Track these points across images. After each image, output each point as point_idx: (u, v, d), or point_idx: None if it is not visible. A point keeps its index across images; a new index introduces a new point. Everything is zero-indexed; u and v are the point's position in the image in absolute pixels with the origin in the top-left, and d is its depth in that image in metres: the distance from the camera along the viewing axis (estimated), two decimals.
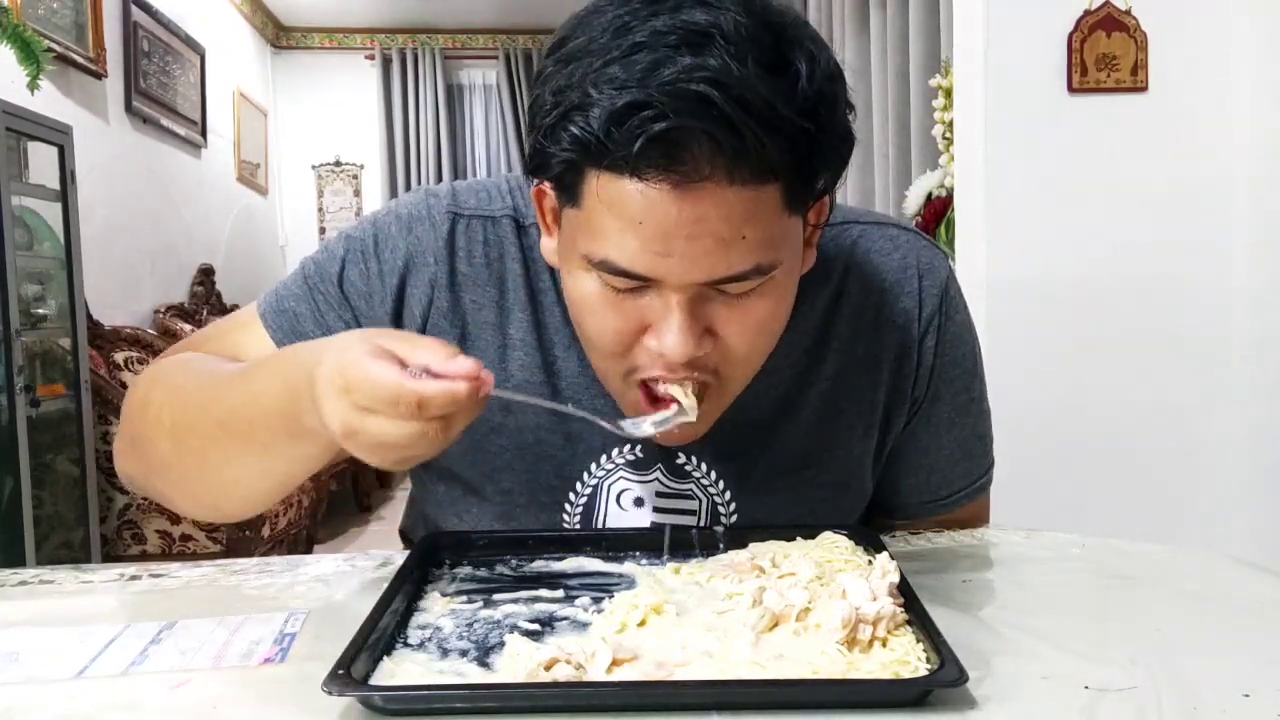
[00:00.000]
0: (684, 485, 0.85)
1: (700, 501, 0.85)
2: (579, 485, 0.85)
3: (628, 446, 0.84)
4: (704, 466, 0.85)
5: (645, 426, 0.73)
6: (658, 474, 0.85)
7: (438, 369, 0.60)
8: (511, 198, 0.85)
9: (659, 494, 0.85)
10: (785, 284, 0.73)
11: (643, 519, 0.85)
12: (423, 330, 0.83)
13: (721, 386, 0.74)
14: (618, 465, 0.84)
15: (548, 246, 0.78)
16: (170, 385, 0.80)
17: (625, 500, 0.85)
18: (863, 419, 0.86)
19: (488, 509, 0.86)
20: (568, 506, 0.85)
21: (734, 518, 0.86)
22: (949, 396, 0.89)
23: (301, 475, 0.74)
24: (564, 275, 0.74)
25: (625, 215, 0.65)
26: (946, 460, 0.91)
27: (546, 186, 0.73)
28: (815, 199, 0.72)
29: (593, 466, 0.85)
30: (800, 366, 0.85)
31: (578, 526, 0.85)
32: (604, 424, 0.73)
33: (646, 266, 0.66)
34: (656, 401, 0.73)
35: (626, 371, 0.74)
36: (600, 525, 0.85)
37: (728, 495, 0.85)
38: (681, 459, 0.85)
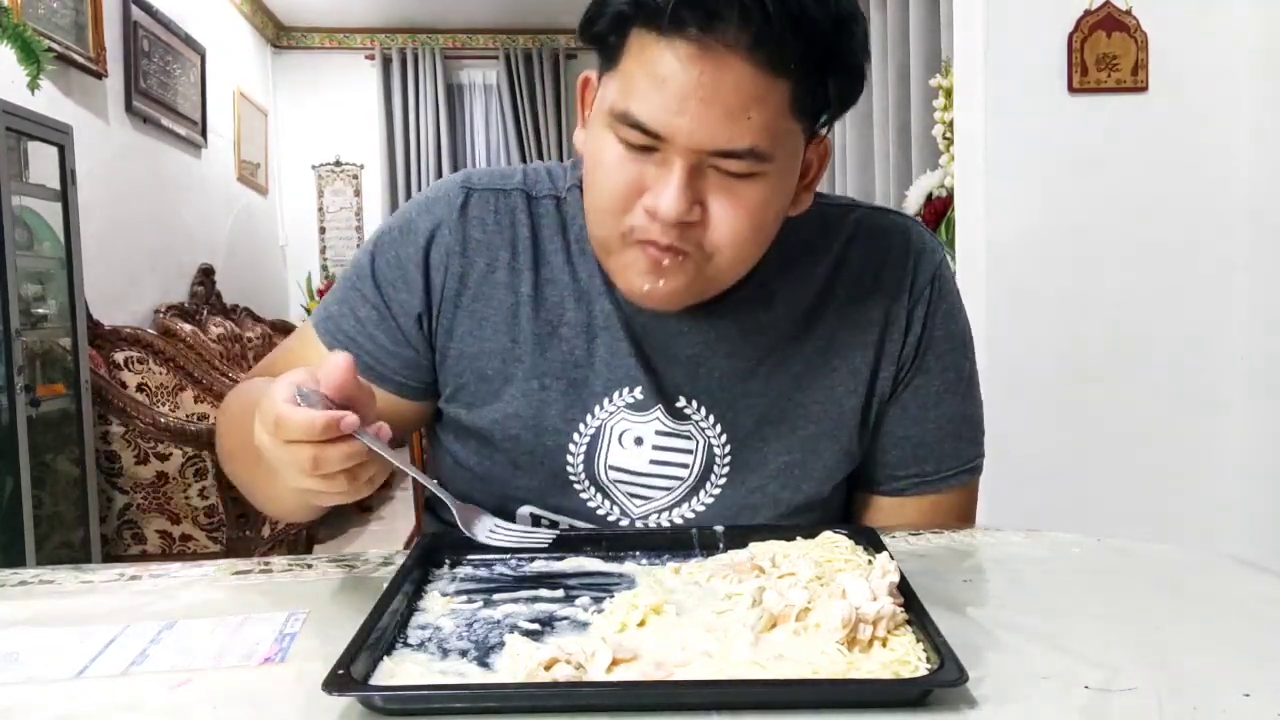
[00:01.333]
0: (682, 427, 0.90)
1: (697, 443, 0.90)
2: (582, 426, 0.90)
3: (628, 389, 0.89)
4: (703, 410, 0.90)
5: (502, 536, 0.76)
6: (657, 415, 0.90)
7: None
8: (524, 176, 0.94)
9: (658, 433, 0.90)
10: (776, 188, 0.79)
11: (642, 458, 0.89)
12: (440, 294, 0.90)
13: (705, 259, 0.80)
14: (619, 407, 0.90)
15: (580, 138, 0.86)
16: (229, 413, 0.92)
17: (626, 439, 0.89)
18: (852, 376, 0.92)
19: (499, 456, 0.91)
20: (571, 448, 0.90)
21: (728, 460, 0.91)
22: (938, 371, 0.93)
23: (332, 506, 0.78)
24: (590, 140, 0.82)
25: (654, 73, 0.73)
26: (934, 436, 0.94)
27: (592, 74, 0.84)
28: (820, 126, 0.80)
29: (596, 409, 0.90)
30: (800, 324, 0.91)
31: (581, 467, 0.90)
32: (464, 530, 0.75)
33: (661, 123, 0.74)
34: (654, 251, 0.79)
35: (623, 233, 0.80)
36: (602, 463, 0.90)
37: (724, 439, 0.90)
38: (681, 402, 0.90)
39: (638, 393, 0.89)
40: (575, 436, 0.89)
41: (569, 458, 0.90)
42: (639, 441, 0.89)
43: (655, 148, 0.76)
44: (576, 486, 0.90)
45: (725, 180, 0.77)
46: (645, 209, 0.77)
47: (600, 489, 0.90)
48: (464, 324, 0.90)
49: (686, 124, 0.73)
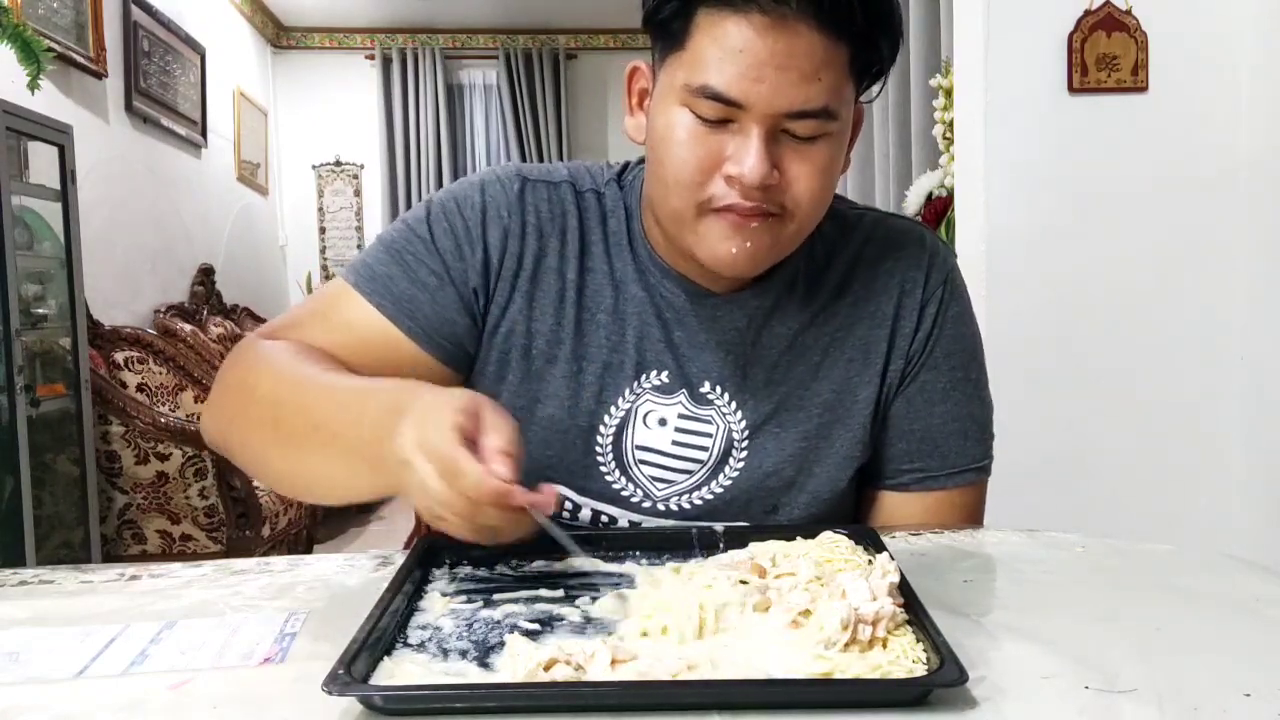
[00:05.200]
0: (704, 411, 0.93)
1: (717, 427, 0.93)
2: (613, 409, 0.93)
3: (655, 372, 0.93)
4: (725, 396, 0.93)
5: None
6: (681, 398, 0.93)
7: (485, 453, 0.67)
8: (569, 173, 0.98)
9: (681, 416, 0.93)
10: (840, 146, 0.84)
11: (665, 438, 0.93)
12: (498, 271, 0.93)
13: (785, 218, 0.84)
14: (647, 389, 0.93)
15: (631, 125, 0.91)
16: (274, 376, 0.87)
17: (651, 420, 0.93)
18: (866, 367, 0.95)
19: (534, 435, 0.93)
20: (602, 429, 0.93)
21: (746, 443, 0.93)
22: (946, 369, 0.96)
23: (376, 496, 0.79)
24: (656, 118, 0.85)
25: (727, 46, 0.78)
26: (939, 431, 0.95)
27: (643, 65, 0.88)
28: (866, 88, 0.86)
29: (626, 391, 0.93)
30: (818, 318, 0.95)
31: (609, 448, 0.93)
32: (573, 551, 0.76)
33: (741, 91, 0.78)
34: (736, 216, 0.82)
35: (702, 204, 0.82)
36: (629, 443, 0.93)
37: (743, 425, 0.93)
38: (705, 387, 0.93)
39: (664, 376, 0.93)
40: (606, 418, 0.93)
41: (599, 438, 0.93)
42: (663, 423, 0.93)
43: (731, 119, 0.80)
44: (603, 469, 0.93)
45: (796, 144, 0.81)
46: (726, 177, 0.81)
47: (625, 471, 0.93)
48: (517, 302, 0.93)
49: (766, 90, 0.78)
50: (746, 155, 0.79)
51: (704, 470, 0.93)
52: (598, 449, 0.93)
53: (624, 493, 0.93)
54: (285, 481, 0.89)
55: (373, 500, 0.82)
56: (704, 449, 0.93)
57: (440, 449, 0.66)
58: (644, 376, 0.93)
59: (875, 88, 0.87)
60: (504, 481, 0.65)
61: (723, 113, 0.79)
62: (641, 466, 0.93)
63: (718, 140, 0.81)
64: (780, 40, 0.77)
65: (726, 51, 0.78)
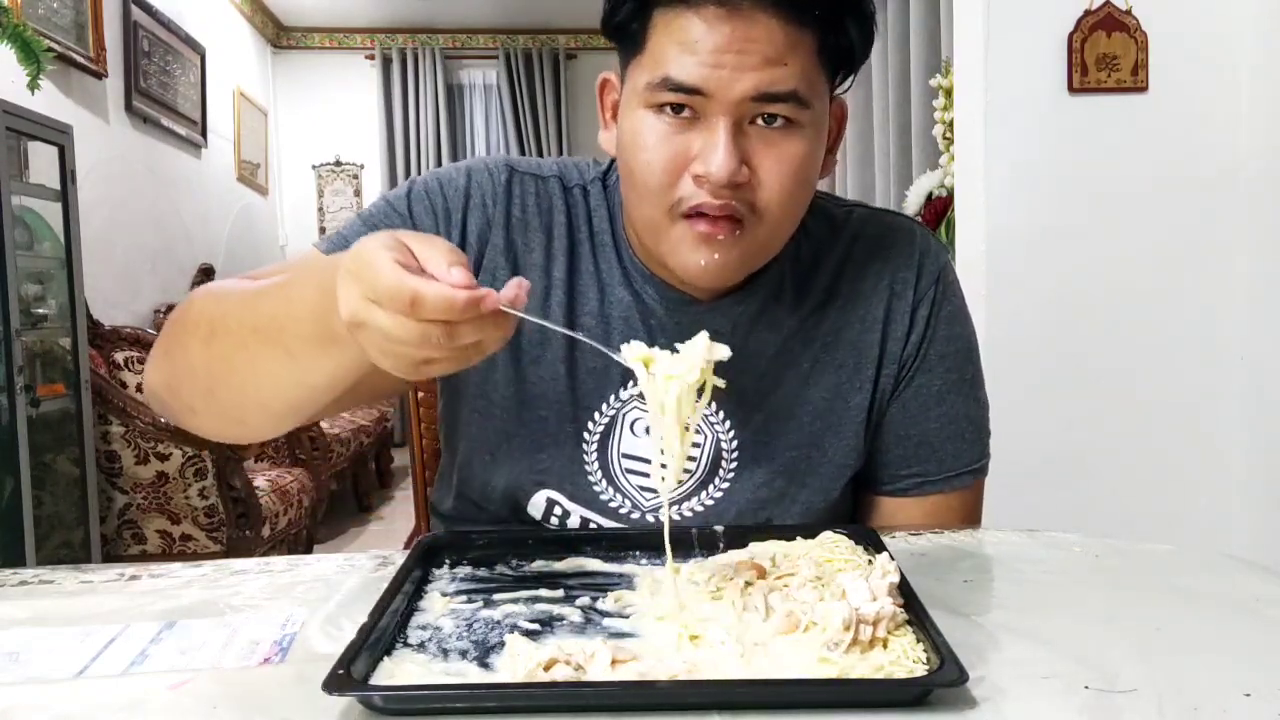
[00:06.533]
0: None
1: (705, 438, 0.91)
2: (598, 415, 0.91)
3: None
4: (712, 405, 0.89)
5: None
6: None
7: (434, 274, 0.61)
8: (558, 167, 0.96)
9: None
10: (814, 142, 0.82)
11: (650, 445, 0.90)
12: (478, 262, 0.91)
13: (756, 222, 0.81)
14: (632, 395, 0.91)
15: (605, 138, 0.89)
16: (213, 296, 0.84)
17: (638, 428, 0.91)
18: (857, 373, 0.93)
19: (519, 441, 0.92)
20: (586, 435, 0.91)
21: (735, 453, 0.91)
22: (940, 371, 0.94)
23: (325, 391, 0.76)
24: (622, 125, 0.84)
25: (684, 39, 0.77)
26: (935, 435, 0.94)
27: (612, 76, 0.87)
28: (839, 81, 0.84)
29: (611, 398, 0.91)
30: (807, 321, 0.93)
31: (595, 455, 0.91)
32: (609, 351, 0.73)
33: (701, 77, 0.76)
34: (705, 226, 0.80)
35: (672, 205, 0.80)
36: (615, 450, 0.92)
37: (732, 434, 0.91)
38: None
39: None
40: (590, 425, 0.91)
41: (584, 445, 0.91)
42: (649, 430, 0.90)
43: (697, 116, 0.78)
44: (590, 477, 0.91)
45: (768, 136, 0.79)
46: (694, 176, 0.79)
47: (611, 480, 0.91)
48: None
49: (726, 75, 0.76)
50: (713, 151, 0.77)
51: (693, 481, 0.91)
52: (584, 456, 0.91)
53: (611, 503, 0.91)
54: (235, 410, 0.82)
55: (341, 390, 0.76)
56: (692, 459, 0.90)
57: (389, 287, 0.59)
58: (630, 383, 0.90)
59: (849, 80, 0.85)
60: (468, 287, 0.60)
61: (684, 101, 0.78)
62: (629, 476, 0.91)
63: (684, 140, 0.79)
64: (738, 29, 0.75)
65: (684, 45, 0.77)
